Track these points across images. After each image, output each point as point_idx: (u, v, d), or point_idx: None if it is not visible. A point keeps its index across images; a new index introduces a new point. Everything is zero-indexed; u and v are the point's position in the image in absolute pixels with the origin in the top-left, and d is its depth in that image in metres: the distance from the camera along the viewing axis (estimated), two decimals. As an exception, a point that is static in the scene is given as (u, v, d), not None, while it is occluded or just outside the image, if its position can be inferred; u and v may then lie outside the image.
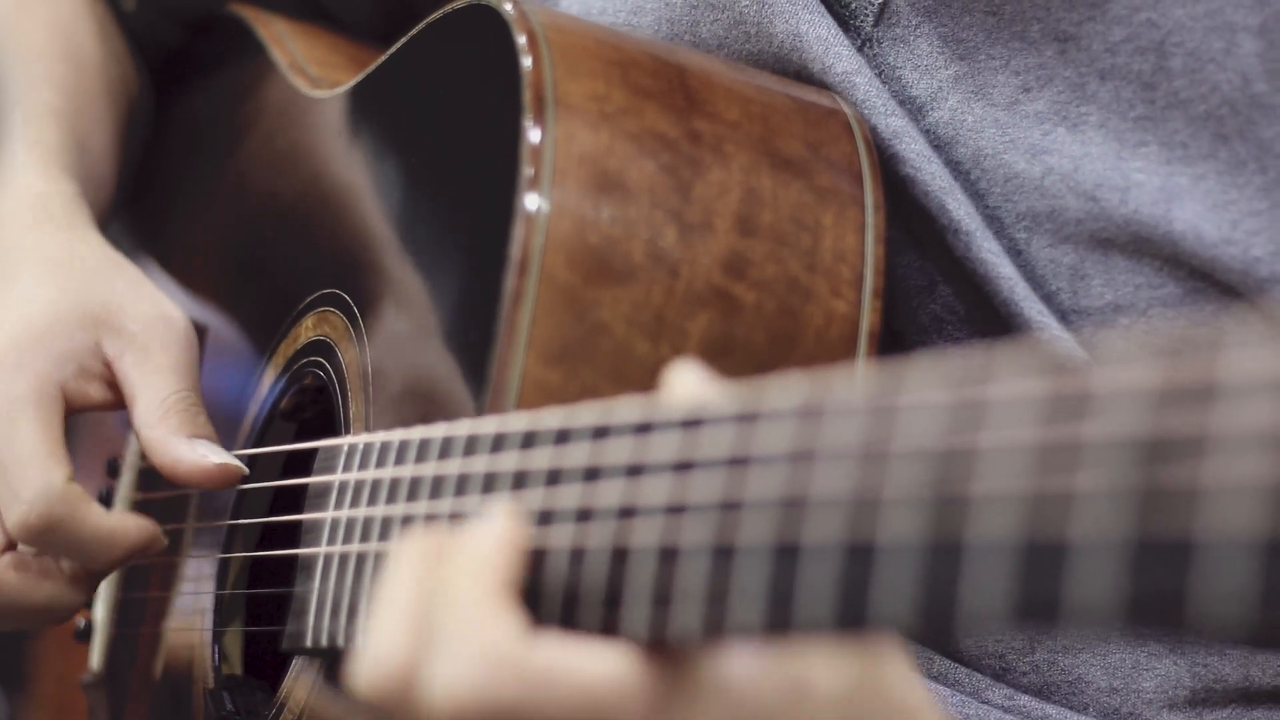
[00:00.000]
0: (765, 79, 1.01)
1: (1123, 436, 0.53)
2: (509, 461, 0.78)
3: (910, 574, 0.59)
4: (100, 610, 1.27)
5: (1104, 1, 0.96)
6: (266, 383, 1.14)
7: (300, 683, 1.01)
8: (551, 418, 0.76)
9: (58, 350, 1.11)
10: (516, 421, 0.79)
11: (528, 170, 0.90)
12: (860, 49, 1.02)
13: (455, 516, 0.81)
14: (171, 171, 1.38)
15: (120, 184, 1.34)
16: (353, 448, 0.95)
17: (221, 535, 1.14)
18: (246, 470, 1.09)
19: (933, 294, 1.01)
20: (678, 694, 0.69)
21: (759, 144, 0.95)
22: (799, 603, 0.63)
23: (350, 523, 0.92)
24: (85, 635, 1.27)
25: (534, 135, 0.91)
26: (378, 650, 0.72)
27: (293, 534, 1.00)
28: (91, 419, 1.25)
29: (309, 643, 0.95)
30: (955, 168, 1.00)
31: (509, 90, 0.93)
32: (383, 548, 0.88)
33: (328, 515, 0.95)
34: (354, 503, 0.92)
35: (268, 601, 1.10)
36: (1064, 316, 0.98)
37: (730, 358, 0.90)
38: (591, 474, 0.72)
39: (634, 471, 0.70)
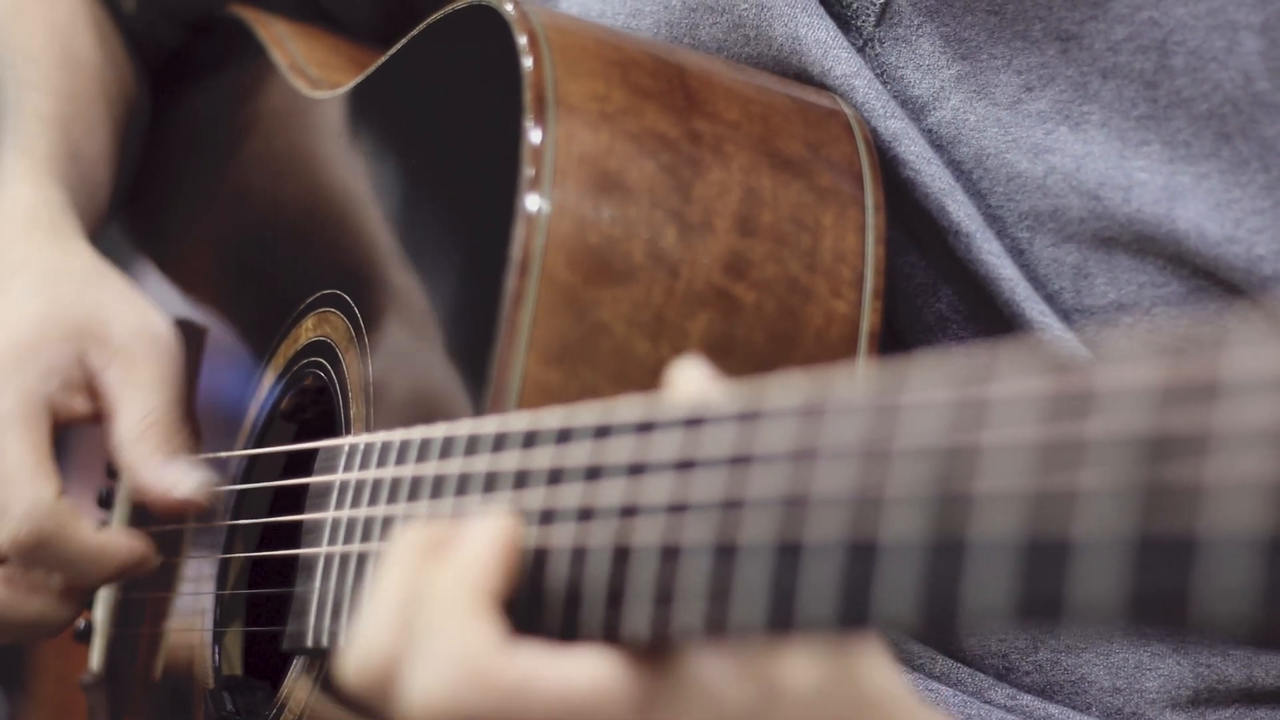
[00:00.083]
0: (765, 79, 1.01)
1: (1125, 434, 0.53)
2: (510, 461, 0.78)
3: (913, 572, 0.59)
4: (100, 611, 1.27)
5: (1106, 0, 0.95)
6: (267, 383, 1.14)
7: (301, 683, 1.01)
8: (552, 417, 0.76)
9: (43, 364, 1.11)
10: (517, 421, 0.79)
11: (528, 170, 0.90)
12: (861, 49, 1.02)
13: (456, 516, 0.81)
14: (171, 172, 1.38)
15: (117, 187, 1.34)
16: (353, 448, 0.95)
17: (222, 535, 1.14)
18: (220, 495, 1.10)
19: (935, 295, 1.01)
20: (652, 700, 0.69)
21: (759, 144, 0.95)
22: (801, 601, 0.63)
23: (351, 523, 0.92)
24: (85, 636, 1.27)
25: (535, 135, 0.91)
26: (363, 642, 0.73)
27: (293, 534, 1.00)
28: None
29: (309, 643, 0.95)
30: (957, 167, 1.00)
31: (510, 91, 0.93)
32: (383, 548, 0.88)
33: (328, 515, 0.95)
34: (355, 503, 0.92)
35: (268, 602, 1.10)
36: (1067, 316, 0.98)
37: (730, 358, 0.90)
38: (593, 473, 0.72)
39: (635, 470, 0.70)
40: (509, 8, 0.96)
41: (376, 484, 0.90)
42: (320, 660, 0.99)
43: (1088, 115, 0.97)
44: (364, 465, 0.93)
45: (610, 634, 0.70)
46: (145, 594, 1.21)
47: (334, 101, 1.14)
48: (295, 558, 0.98)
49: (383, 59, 1.10)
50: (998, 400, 0.58)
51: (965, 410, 0.58)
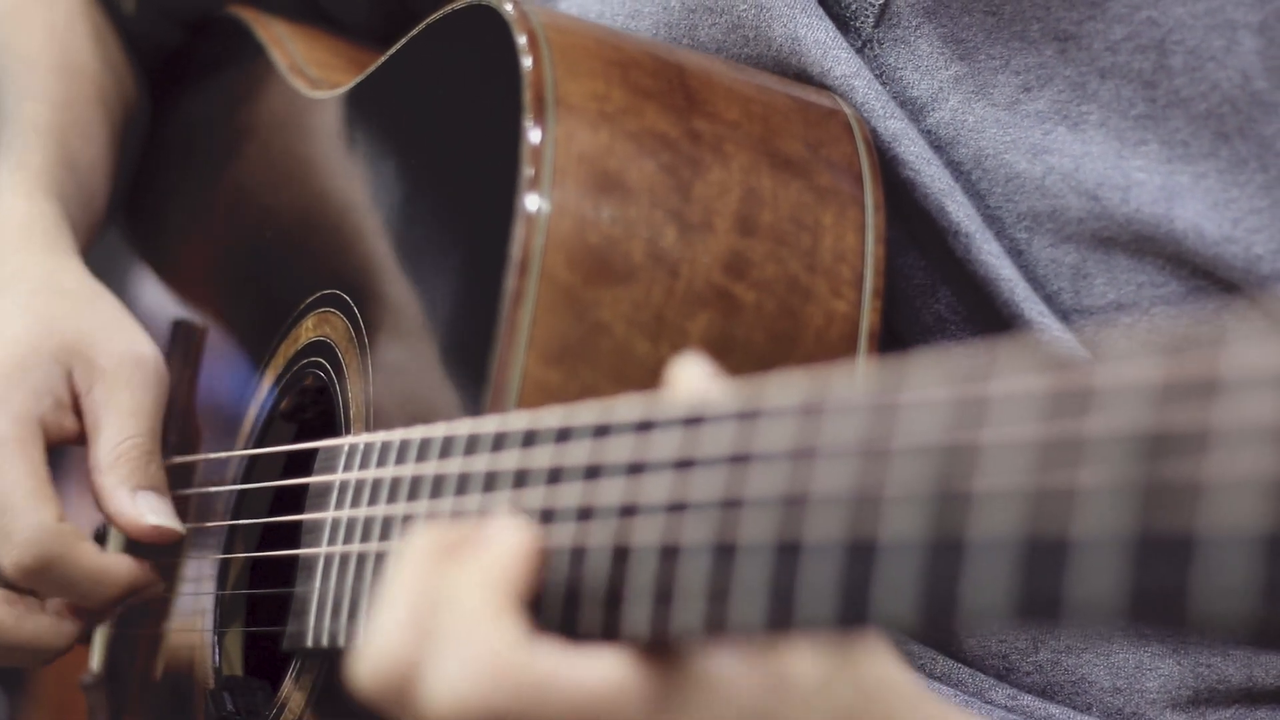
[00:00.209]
0: (765, 79, 1.01)
1: (1125, 432, 0.53)
2: (510, 460, 0.78)
3: (912, 571, 0.59)
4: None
5: (1104, 0, 0.95)
6: (267, 383, 1.14)
7: (301, 683, 1.01)
8: (552, 416, 0.76)
9: (34, 383, 1.11)
10: (517, 420, 0.79)
11: (528, 170, 0.90)
12: (860, 50, 1.02)
13: (457, 515, 0.81)
14: (171, 173, 1.38)
15: (114, 191, 1.34)
16: (353, 448, 0.95)
17: (222, 536, 1.14)
18: (184, 532, 1.10)
19: (934, 295, 1.01)
20: (669, 696, 0.69)
21: (759, 144, 0.95)
22: (800, 601, 0.63)
23: (351, 523, 0.92)
24: (85, 636, 1.27)
25: (534, 135, 0.91)
26: (378, 644, 0.72)
27: (293, 534, 1.00)
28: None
29: (310, 643, 0.95)
30: (956, 168, 1.00)
31: (509, 90, 0.93)
32: (384, 548, 0.88)
33: (328, 515, 0.95)
34: (355, 503, 0.92)
35: (268, 602, 1.10)
36: (1066, 316, 0.98)
37: (730, 357, 0.90)
38: (592, 472, 0.72)
39: (635, 469, 0.70)
40: (508, 7, 0.96)
41: (376, 484, 0.90)
42: (320, 660, 0.99)
43: (1086, 115, 0.97)
44: (364, 465, 0.93)
45: (609, 633, 0.70)
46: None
47: (334, 102, 1.14)
48: (295, 558, 0.98)
49: (382, 59, 1.10)
50: (997, 398, 0.58)
51: (964, 408, 0.58)
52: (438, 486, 0.83)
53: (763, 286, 0.92)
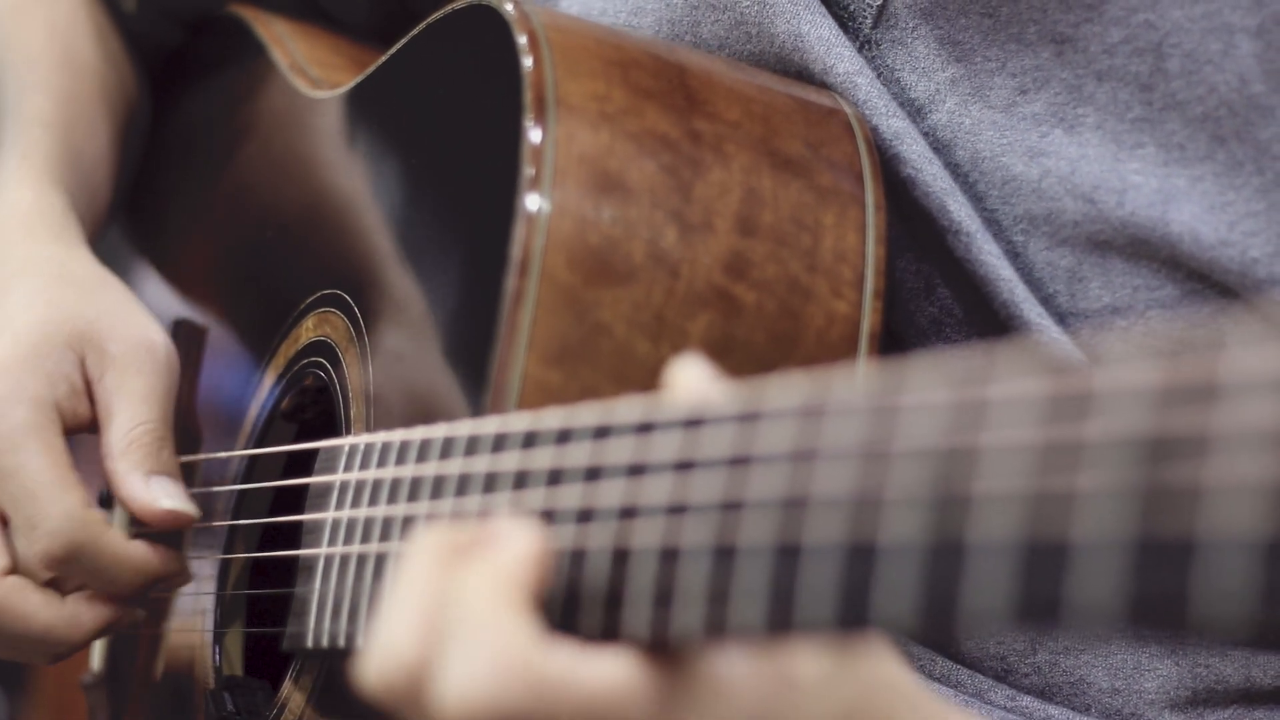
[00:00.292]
0: (766, 78, 1.01)
1: (1124, 436, 0.54)
2: (510, 461, 0.78)
3: (912, 574, 0.59)
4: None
5: (1101, 3, 0.96)
6: (267, 383, 1.14)
7: (301, 683, 1.01)
8: (552, 418, 0.76)
9: (48, 370, 1.11)
10: (517, 421, 0.79)
11: (528, 170, 0.90)
12: (860, 50, 1.02)
13: (457, 516, 0.81)
14: (172, 172, 1.38)
15: (117, 188, 1.34)
16: (354, 448, 0.95)
17: (222, 536, 1.14)
18: (198, 514, 1.10)
19: (931, 296, 1.01)
20: (674, 697, 0.70)
21: (760, 144, 0.95)
22: (800, 603, 0.63)
23: (351, 523, 0.92)
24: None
25: (535, 135, 0.91)
26: (387, 644, 0.72)
27: (294, 534, 1.00)
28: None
29: (310, 643, 0.95)
30: (954, 170, 1.00)
31: (510, 90, 0.93)
32: (384, 548, 0.88)
33: (329, 516, 0.95)
34: (355, 503, 0.92)
35: (268, 602, 1.10)
36: (1062, 319, 0.98)
37: (731, 358, 0.90)
38: (592, 474, 0.72)
39: (635, 471, 0.70)
40: (509, 7, 0.96)
41: (377, 484, 0.90)
42: (321, 661, 1.00)
43: (1083, 118, 0.97)
44: (364, 465, 0.93)
45: (609, 635, 0.70)
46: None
47: (334, 101, 1.14)
48: (296, 558, 0.98)
49: (383, 59, 1.10)
50: (997, 402, 0.58)
51: (964, 412, 0.58)
52: (438, 487, 0.83)
53: (763, 287, 0.92)
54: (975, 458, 0.58)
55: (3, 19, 1.34)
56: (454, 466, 0.82)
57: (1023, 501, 0.56)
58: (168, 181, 1.38)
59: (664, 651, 0.70)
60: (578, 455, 0.74)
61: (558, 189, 0.90)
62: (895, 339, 1.02)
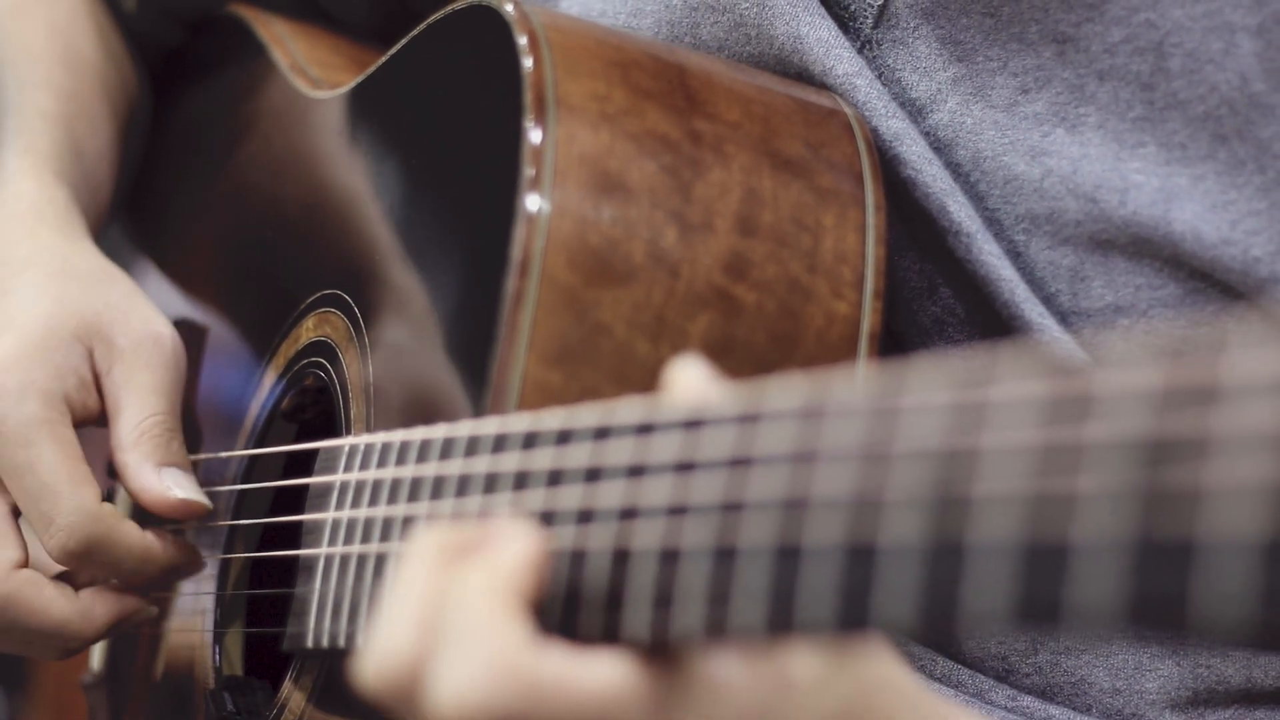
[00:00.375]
0: (766, 79, 1.01)
1: (1125, 438, 0.54)
2: (510, 462, 0.78)
3: (912, 575, 0.59)
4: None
5: (1102, 2, 0.95)
6: (267, 383, 1.14)
7: (301, 683, 1.01)
8: (552, 418, 0.76)
9: (57, 364, 1.11)
10: (518, 422, 0.79)
11: (529, 171, 0.90)
12: (860, 51, 1.02)
13: (457, 517, 0.81)
14: (172, 172, 1.38)
15: (118, 186, 1.34)
16: (354, 448, 0.95)
17: (222, 535, 1.14)
18: (210, 506, 1.10)
19: (933, 296, 1.01)
20: (670, 699, 0.70)
21: (760, 144, 0.95)
22: (800, 604, 0.63)
23: (352, 523, 0.92)
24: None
25: (535, 136, 0.91)
26: (385, 643, 0.73)
27: (294, 534, 1.00)
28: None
29: (310, 643, 0.95)
30: (955, 170, 1.00)
31: (510, 91, 0.93)
32: (384, 549, 0.88)
33: (329, 516, 0.95)
34: (355, 503, 0.92)
35: (269, 602, 1.10)
36: (1064, 318, 0.98)
37: (731, 358, 0.90)
38: (593, 475, 0.72)
39: (635, 472, 0.70)
40: (509, 8, 0.96)
41: (377, 485, 0.90)
42: (321, 661, 1.00)
43: (1084, 117, 0.97)
44: (364, 466, 0.93)
45: (609, 636, 0.70)
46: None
47: (334, 101, 1.14)
48: (296, 558, 0.98)
49: (383, 59, 1.10)
50: (997, 403, 0.58)
51: (965, 413, 0.58)
52: (438, 488, 0.83)
53: (763, 287, 0.92)
54: (975, 459, 0.58)
55: (4, 17, 1.34)
56: (454, 467, 0.82)
57: (1023, 503, 0.56)
58: (168, 182, 1.38)
59: (661, 653, 0.70)
60: (578, 456, 0.74)
61: (558, 189, 0.90)
62: (897, 339, 1.02)
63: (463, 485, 0.81)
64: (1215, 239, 0.94)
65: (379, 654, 0.73)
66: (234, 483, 1.14)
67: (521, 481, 0.76)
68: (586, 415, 0.74)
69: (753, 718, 0.70)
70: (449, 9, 1.02)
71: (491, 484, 0.79)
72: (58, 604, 1.09)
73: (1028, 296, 0.97)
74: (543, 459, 0.76)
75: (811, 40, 1.01)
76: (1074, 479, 0.54)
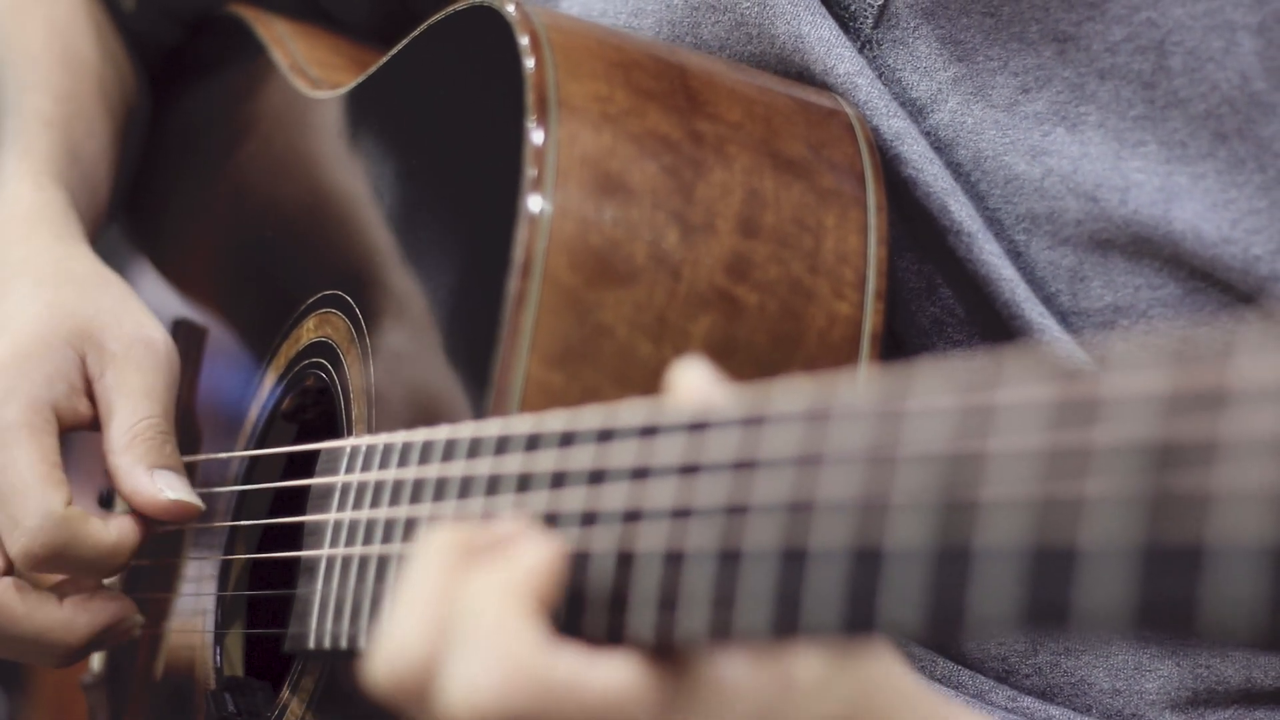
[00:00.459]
0: (767, 80, 1.01)
1: (1132, 442, 0.53)
2: (513, 464, 0.78)
3: (918, 579, 0.59)
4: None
5: (1103, 1, 0.95)
6: (268, 384, 1.14)
7: (303, 685, 1.01)
8: (556, 420, 0.76)
9: (48, 370, 1.11)
10: (520, 424, 0.79)
11: (530, 171, 0.90)
12: (861, 50, 1.02)
13: (461, 519, 0.81)
14: (171, 172, 1.38)
15: (116, 187, 1.34)
16: (355, 449, 0.95)
17: (223, 536, 1.14)
18: (203, 507, 1.10)
19: (932, 296, 1.01)
20: (680, 699, 0.70)
21: (761, 145, 0.95)
22: (806, 607, 0.63)
23: (353, 525, 0.92)
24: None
25: (537, 136, 0.91)
26: (397, 643, 0.72)
27: (295, 535, 1.00)
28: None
29: (311, 645, 0.95)
30: (956, 169, 1.00)
31: (511, 91, 0.93)
32: (387, 550, 0.88)
33: (330, 517, 0.95)
34: (357, 505, 0.92)
35: (270, 603, 1.10)
36: (1064, 318, 0.98)
37: (733, 359, 0.90)
38: (596, 477, 0.72)
39: (639, 475, 0.70)
40: (510, 8, 0.96)
41: (379, 486, 0.90)
42: (322, 662, 1.00)
43: (1085, 116, 0.97)
44: (366, 467, 0.93)
45: (614, 638, 0.70)
46: (146, 594, 1.21)
47: (335, 102, 1.14)
48: (297, 559, 0.98)
49: (384, 59, 1.09)
50: (1004, 407, 0.58)
51: (971, 417, 0.58)
52: (441, 490, 0.83)
53: (765, 288, 0.92)
54: (982, 463, 0.57)
55: (2, 17, 1.34)
56: (457, 469, 0.82)
57: (1030, 507, 0.56)
58: (167, 182, 1.37)
59: (668, 655, 0.70)
60: (581, 458, 0.74)
61: (560, 190, 0.90)
62: (897, 340, 1.02)
63: (465, 487, 0.81)
64: (1216, 238, 0.94)
65: (389, 652, 0.73)
66: (235, 484, 1.14)
67: (525, 483, 0.76)
68: (590, 417, 0.74)
69: (758, 718, 0.70)
70: (450, 9, 1.02)
71: (494, 486, 0.78)
72: (36, 613, 1.09)
73: (1028, 296, 0.97)
74: (546, 461, 0.76)
75: (812, 39, 1.01)
76: (1081, 483, 0.54)
